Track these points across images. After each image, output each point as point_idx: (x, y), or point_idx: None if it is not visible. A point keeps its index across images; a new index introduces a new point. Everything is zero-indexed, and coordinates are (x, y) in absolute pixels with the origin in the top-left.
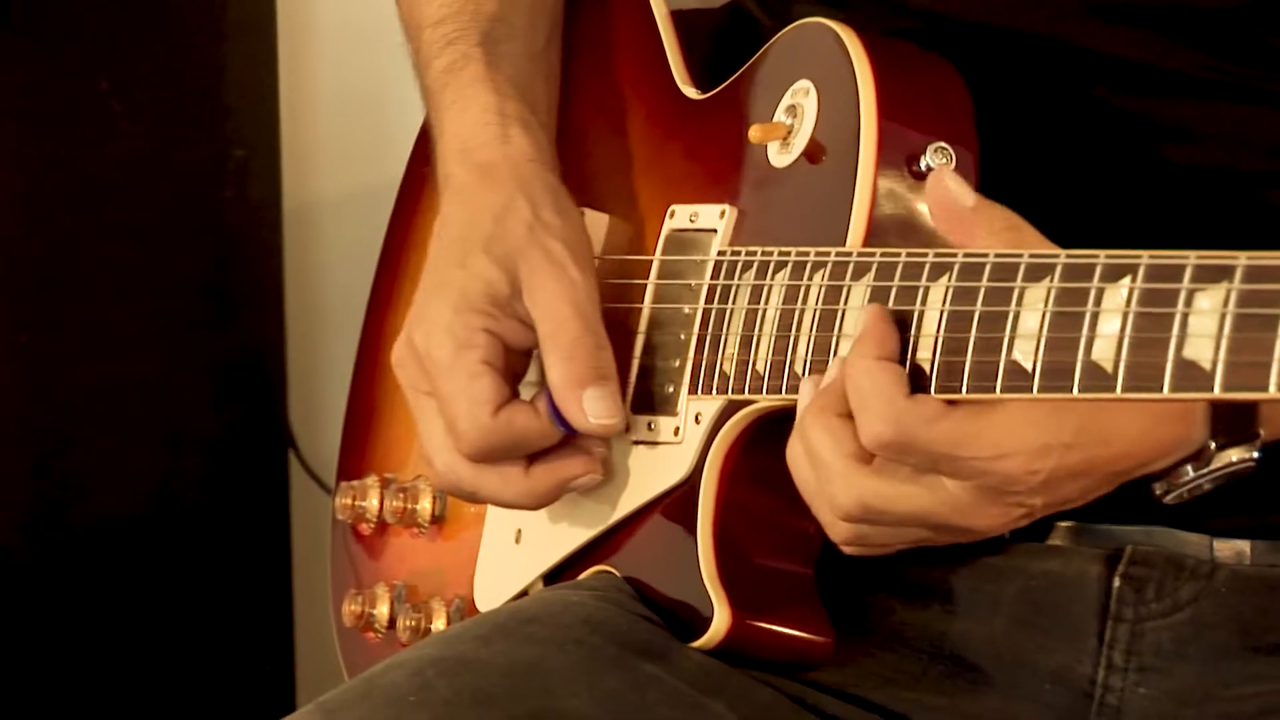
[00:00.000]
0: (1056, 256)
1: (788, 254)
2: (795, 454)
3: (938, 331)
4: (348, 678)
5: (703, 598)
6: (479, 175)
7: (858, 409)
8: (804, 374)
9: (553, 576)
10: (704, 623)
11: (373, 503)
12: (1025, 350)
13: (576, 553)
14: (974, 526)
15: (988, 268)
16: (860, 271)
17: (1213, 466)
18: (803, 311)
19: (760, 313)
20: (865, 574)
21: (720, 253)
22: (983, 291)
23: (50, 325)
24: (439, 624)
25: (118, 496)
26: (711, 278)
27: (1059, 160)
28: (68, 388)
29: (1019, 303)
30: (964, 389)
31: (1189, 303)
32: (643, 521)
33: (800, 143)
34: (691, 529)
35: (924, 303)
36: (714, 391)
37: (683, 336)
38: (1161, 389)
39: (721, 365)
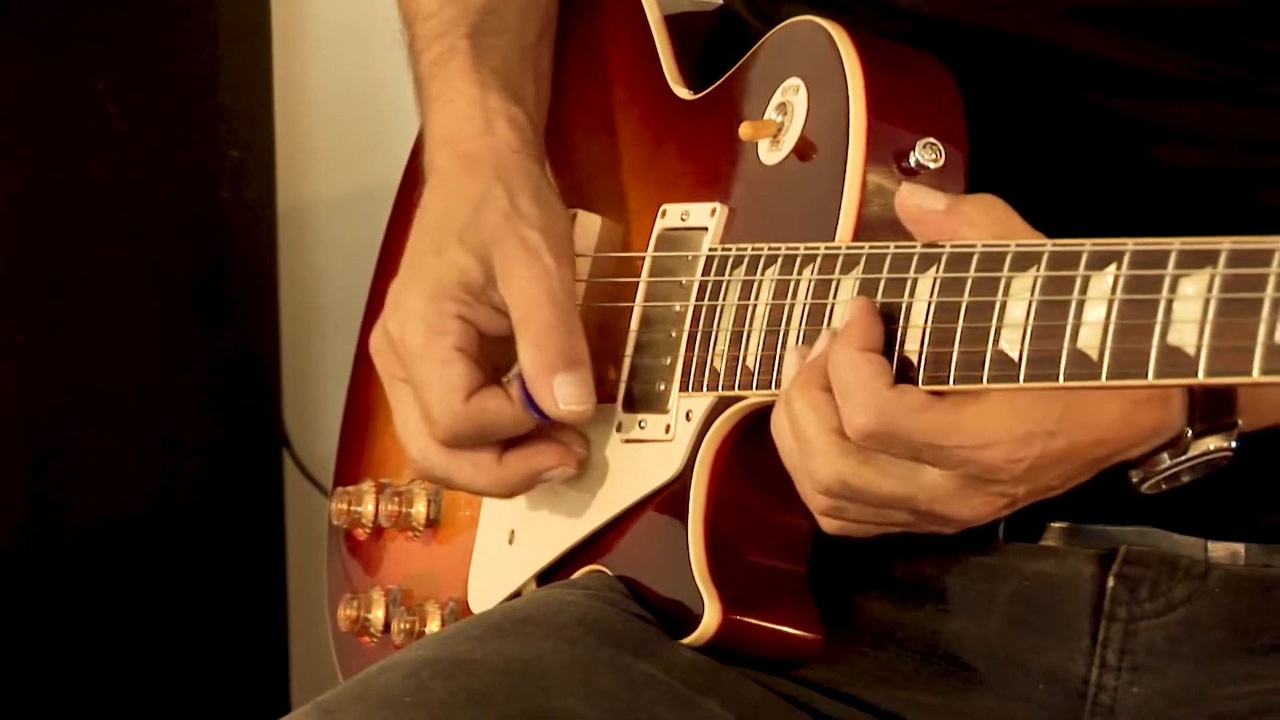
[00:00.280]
0: (1043, 245)
1: (778, 249)
2: (779, 424)
3: (925, 323)
4: (342, 682)
5: (693, 594)
6: (460, 165)
7: (841, 399)
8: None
9: (546, 577)
10: (695, 619)
11: (368, 508)
12: (1012, 340)
13: (569, 552)
14: (955, 515)
15: (975, 258)
16: (849, 265)
17: (1189, 454)
18: (792, 306)
19: (750, 308)
20: (859, 573)
21: (711, 250)
22: (970, 282)
23: (46, 325)
24: (433, 627)
25: (114, 496)
26: (702, 275)
27: (1048, 161)
28: (64, 388)
29: (1006, 292)
30: (951, 380)
31: (1173, 289)
32: (634, 520)
33: (790, 140)
34: (683, 526)
35: (912, 294)
36: (704, 388)
37: (674, 334)
38: (1146, 375)
39: (712, 362)
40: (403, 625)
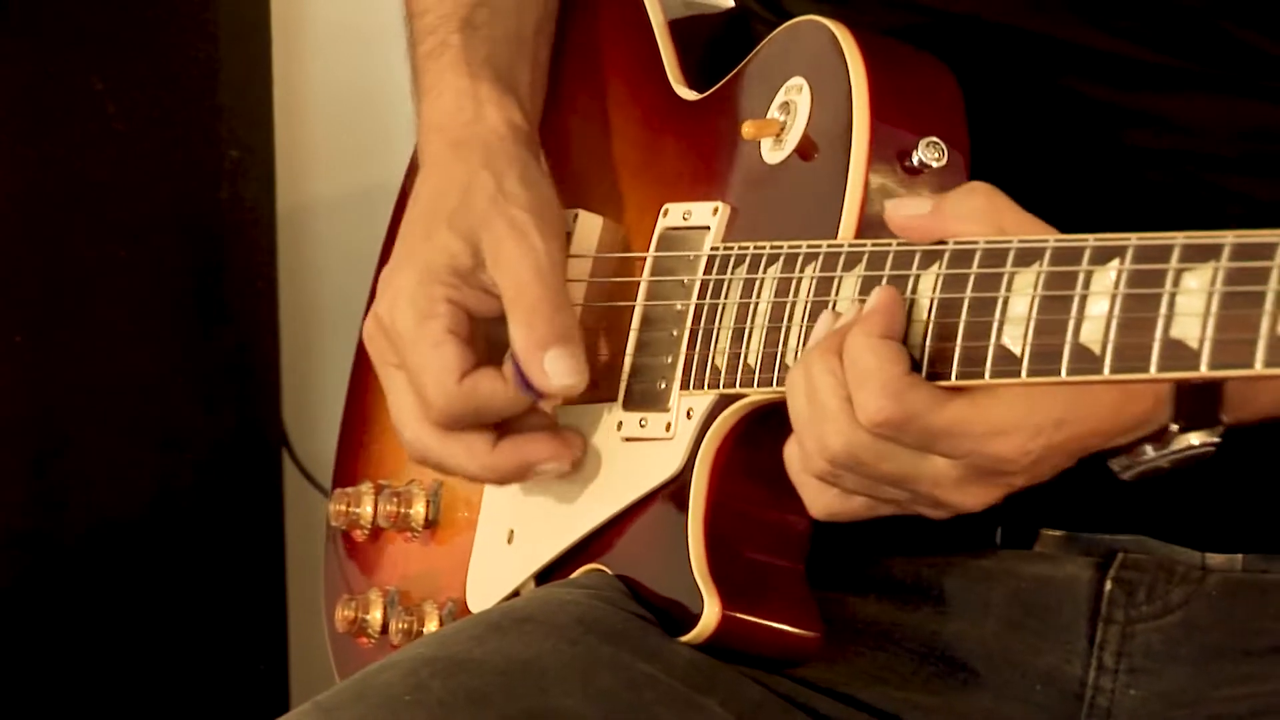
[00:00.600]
0: (1046, 241)
1: (779, 248)
2: (794, 383)
3: (928, 318)
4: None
5: (693, 591)
6: (449, 151)
7: (855, 385)
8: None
9: (545, 576)
10: (694, 617)
11: (366, 509)
12: (1014, 335)
13: (568, 551)
14: (953, 502)
15: (978, 255)
16: (851, 263)
17: (1172, 448)
18: (794, 304)
19: (752, 307)
20: (857, 574)
21: (713, 249)
22: (972, 278)
23: (46, 325)
24: (431, 627)
25: (114, 496)
26: (704, 274)
27: (1041, 152)
28: (63, 388)
29: (1009, 288)
30: (953, 375)
31: (1176, 283)
32: (634, 518)
33: (793, 139)
34: (683, 524)
35: (914, 291)
36: (705, 386)
37: (675, 333)
38: (1149, 369)
39: (713, 360)
40: (400, 625)
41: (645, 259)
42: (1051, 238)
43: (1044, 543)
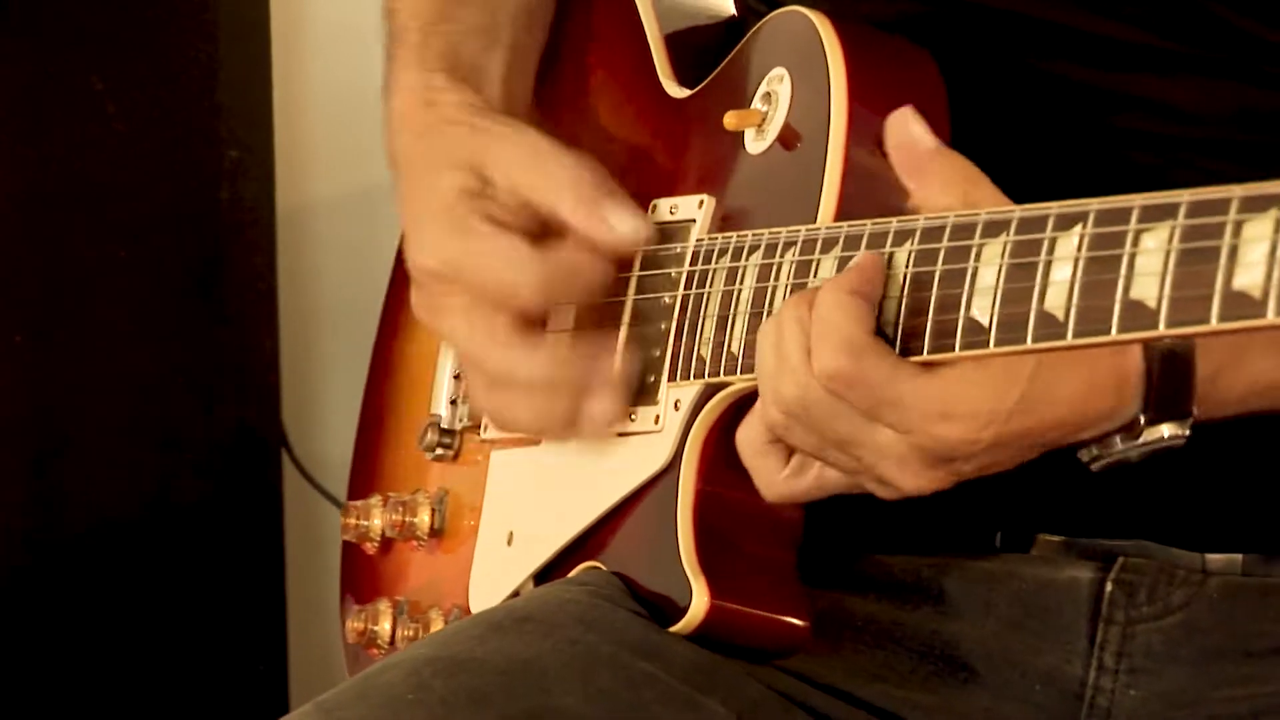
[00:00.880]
0: (1012, 212)
1: (761, 235)
2: (764, 335)
3: (901, 294)
4: None
5: (682, 581)
6: (416, 141)
7: (817, 337)
8: None
9: (545, 575)
10: (683, 606)
11: (375, 522)
12: (982, 306)
13: (566, 549)
14: (896, 480)
15: (948, 229)
16: (828, 245)
17: (1142, 440)
18: (775, 289)
19: (735, 294)
20: (858, 573)
21: (698, 240)
22: (943, 252)
23: (46, 325)
24: None
25: (113, 496)
26: (690, 265)
27: (1029, 135)
28: (63, 388)
29: (977, 259)
30: (925, 350)
31: (1136, 243)
32: (627, 513)
33: (774, 129)
34: (672, 515)
35: (889, 267)
36: (691, 377)
37: (663, 326)
38: (1110, 331)
39: (699, 350)
40: (406, 634)
41: (634, 254)
42: (1018, 208)
43: (1042, 547)
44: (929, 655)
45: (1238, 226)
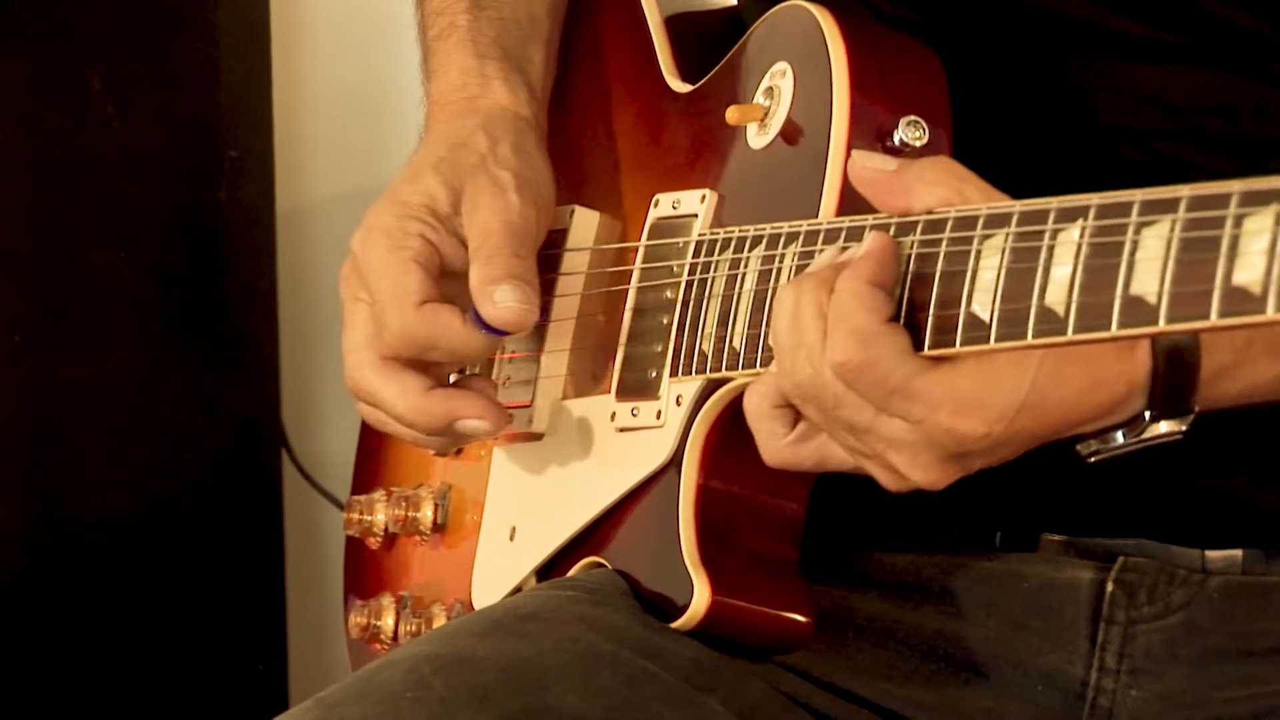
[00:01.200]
0: (1013, 207)
1: (763, 230)
2: (783, 301)
3: (903, 289)
4: None
5: (684, 577)
6: (451, 116)
7: (832, 323)
8: None
9: (547, 570)
10: (685, 601)
11: (379, 517)
12: (983, 301)
13: (568, 544)
14: (904, 470)
15: (949, 224)
16: (830, 239)
17: (1144, 435)
18: (777, 284)
19: (737, 290)
20: (860, 572)
21: (700, 235)
22: (944, 246)
23: (44, 326)
24: None
25: (113, 496)
26: (692, 259)
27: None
28: (61, 388)
29: (978, 255)
30: (926, 346)
31: (1136, 239)
32: (630, 508)
33: (777, 123)
34: (674, 510)
35: None
36: (693, 372)
37: (665, 321)
38: (1110, 327)
39: (700, 345)
40: (409, 629)
41: (637, 249)
42: (1018, 203)
43: (1043, 547)
44: (931, 655)
45: (1238, 221)
